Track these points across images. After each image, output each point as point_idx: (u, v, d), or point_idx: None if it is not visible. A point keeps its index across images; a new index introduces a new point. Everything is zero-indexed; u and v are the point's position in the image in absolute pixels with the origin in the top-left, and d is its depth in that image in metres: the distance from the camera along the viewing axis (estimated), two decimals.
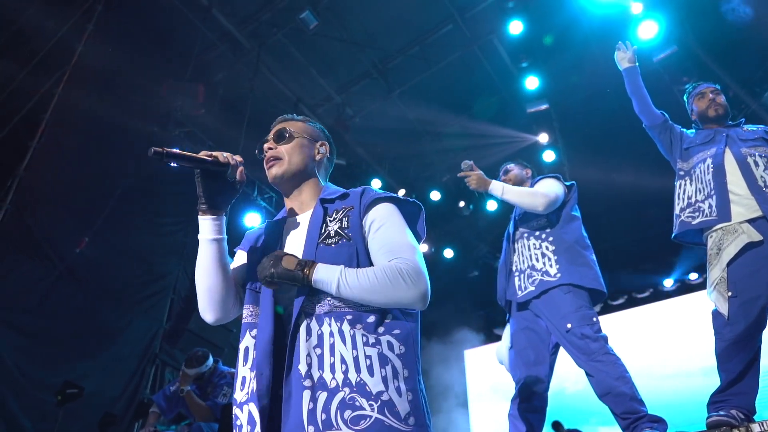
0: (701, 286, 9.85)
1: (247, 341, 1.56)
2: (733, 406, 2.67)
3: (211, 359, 4.61)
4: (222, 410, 4.21)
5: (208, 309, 1.63)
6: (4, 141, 6.51)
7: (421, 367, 1.52)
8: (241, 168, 1.63)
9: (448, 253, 10.73)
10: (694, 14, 7.27)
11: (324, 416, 1.33)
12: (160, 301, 7.47)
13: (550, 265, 3.15)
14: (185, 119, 7.86)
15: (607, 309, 10.64)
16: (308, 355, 1.41)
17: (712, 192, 3.00)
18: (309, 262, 1.48)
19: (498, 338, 3.72)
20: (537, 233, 3.31)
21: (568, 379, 9.00)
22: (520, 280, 3.27)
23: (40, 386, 5.79)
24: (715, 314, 2.84)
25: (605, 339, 3.01)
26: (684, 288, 10.05)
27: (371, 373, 1.38)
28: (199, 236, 1.61)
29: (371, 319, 1.47)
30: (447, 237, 10.56)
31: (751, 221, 2.84)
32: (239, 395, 1.50)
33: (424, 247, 9.48)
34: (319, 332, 1.44)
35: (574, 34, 7.63)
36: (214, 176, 1.57)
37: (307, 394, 1.36)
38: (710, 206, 2.99)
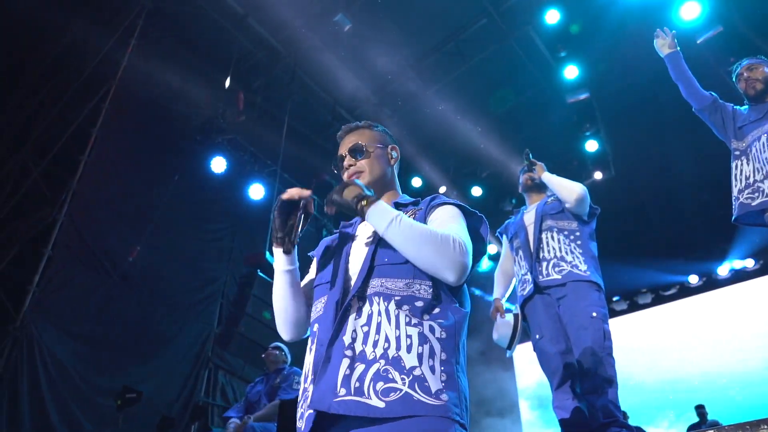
0: (758, 273, 9.50)
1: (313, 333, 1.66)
2: None
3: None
4: (281, 407, 4.31)
5: (284, 329, 1.77)
6: (57, 156, 6.76)
7: (464, 360, 1.55)
8: (310, 200, 1.70)
9: (492, 248, 10.62)
10: None
11: (357, 384, 1.39)
12: (210, 306, 7.63)
13: (580, 262, 3.26)
14: (227, 126, 8.01)
15: (659, 300, 10.38)
16: (354, 330, 1.49)
17: None
18: (371, 198, 1.58)
19: None
20: (566, 233, 3.41)
21: None
22: (541, 266, 3.34)
23: (99, 391, 5.98)
24: None
25: (613, 343, 3.13)
26: (739, 275, 9.69)
27: (409, 350, 1.43)
28: (275, 266, 1.74)
29: (419, 303, 1.51)
30: (490, 233, 10.45)
31: None
32: (307, 381, 1.57)
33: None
34: (369, 312, 1.51)
35: (612, 19, 7.45)
36: (289, 213, 1.69)
37: (345, 362, 1.43)
38: None
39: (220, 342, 7.12)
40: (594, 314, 3.10)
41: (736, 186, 3.12)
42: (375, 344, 1.44)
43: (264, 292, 6.97)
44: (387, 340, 1.44)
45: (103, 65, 7.02)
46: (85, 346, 6.09)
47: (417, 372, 1.39)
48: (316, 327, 1.63)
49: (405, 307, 1.50)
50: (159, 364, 6.73)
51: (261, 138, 8.31)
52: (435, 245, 1.49)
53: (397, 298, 1.51)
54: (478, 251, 1.71)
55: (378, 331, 1.46)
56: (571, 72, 8.00)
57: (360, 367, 1.41)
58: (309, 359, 1.58)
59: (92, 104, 6.77)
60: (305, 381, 1.56)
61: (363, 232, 1.76)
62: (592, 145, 8.82)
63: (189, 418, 6.59)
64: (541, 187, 3.72)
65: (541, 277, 3.32)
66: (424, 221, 1.67)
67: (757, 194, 2.95)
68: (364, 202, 1.56)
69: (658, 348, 9.88)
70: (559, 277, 3.24)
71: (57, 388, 5.68)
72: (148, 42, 7.09)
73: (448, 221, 1.64)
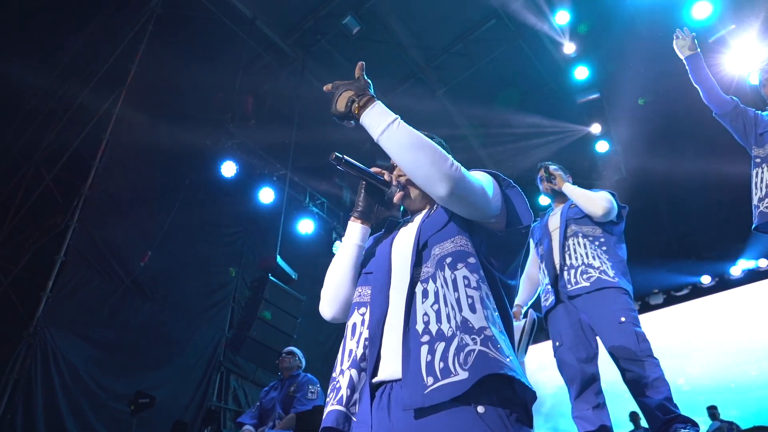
0: None
1: (354, 318, 1.62)
2: None
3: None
4: (298, 418, 4.32)
5: (328, 305, 1.74)
6: (69, 162, 6.79)
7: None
8: (400, 192, 1.73)
9: None
10: None
11: (442, 365, 1.33)
12: (222, 310, 7.64)
13: (608, 268, 3.18)
14: (236, 131, 8.02)
15: (671, 300, 10.32)
16: (425, 313, 1.44)
17: None
18: (364, 98, 1.52)
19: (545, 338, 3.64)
20: (591, 238, 3.31)
21: None
22: (569, 274, 3.24)
23: (113, 396, 6.00)
24: None
25: (650, 343, 3.03)
26: (753, 276, 9.61)
27: (473, 310, 1.40)
28: (344, 239, 1.77)
29: (472, 260, 1.49)
30: None
31: None
32: (345, 364, 1.54)
33: None
34: (435, 290, 1.47)
35: (622, 19, 7.40)
36: (375, 191, 1.74)
37: (424, 349, 1.38)
38: None
39: (231, 346, 7.13)
40: (623, 319, 3.02)
41: (756, 194, 3.06)
42: (448, 318, 1.40)
43: (275, 296, 6.98)
44: (452, 307, 1.41)
45: (113, 71, 7.04)
46: (98, 351, 6.11)
47: (488, 332, 1.35)
48: (358, 318, 1.60)
49: (459, 265, 1.47)
50: (171, 369, 6.74)
51: (270, 141, 8.31)
52: (431, 154, 1.45)
53: (448, 259, 1.49)
54: (515, 227, 1.63)
55: (446, 302, 1.43)
56: (581, 72, 7.96)
57: (440, 347, 1.36)
58: (355, 350, 1.53)
59: (103, 109, 6.79)
60: (346, 365, 1.52)
61: (410, 225, 1.75)
62: (602, 146, 8.77)
63: (201, 422, 6.62)
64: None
65: (569, 286, 3.22)
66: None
67: None
68: (355, 105, 1.51)
69: (669, 349, 9.81)
70: (588, 284, 3.16)
71: (71, 393, 5.70)
72: (158, 47, 7.10)
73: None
